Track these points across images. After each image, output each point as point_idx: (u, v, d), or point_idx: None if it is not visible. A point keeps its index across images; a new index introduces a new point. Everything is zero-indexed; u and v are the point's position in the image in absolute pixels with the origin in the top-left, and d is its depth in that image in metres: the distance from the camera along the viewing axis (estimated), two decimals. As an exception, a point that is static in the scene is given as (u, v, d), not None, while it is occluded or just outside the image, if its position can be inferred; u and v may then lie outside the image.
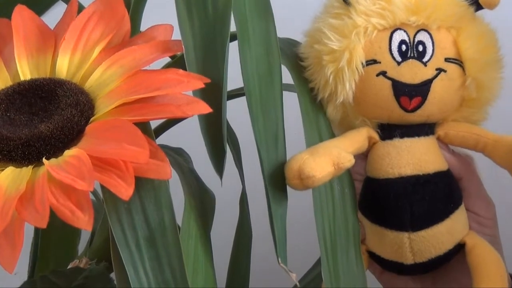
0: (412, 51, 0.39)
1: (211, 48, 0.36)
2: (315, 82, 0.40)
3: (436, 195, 0.40)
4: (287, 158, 0.37)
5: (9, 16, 0.40)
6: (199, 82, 0.34)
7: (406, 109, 0.39)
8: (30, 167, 0.33)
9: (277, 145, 0.37)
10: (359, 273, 0.39)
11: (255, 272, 0.52)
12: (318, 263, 0.55)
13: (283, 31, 0.42)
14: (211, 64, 0.36)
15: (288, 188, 0.37)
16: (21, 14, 0.40)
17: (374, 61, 0.39)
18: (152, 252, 0.32)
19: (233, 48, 0.37)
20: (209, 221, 0.37)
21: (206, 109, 0.33)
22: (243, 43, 0.38)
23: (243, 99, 0.42)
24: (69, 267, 0.44)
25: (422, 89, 0.39)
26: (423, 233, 0.39)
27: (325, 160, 0.37)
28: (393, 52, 0.39)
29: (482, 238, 0.41)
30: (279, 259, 0.35)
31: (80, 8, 0.41)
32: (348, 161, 0.37)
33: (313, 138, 0.40)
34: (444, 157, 0.41)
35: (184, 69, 0.35)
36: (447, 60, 0.39)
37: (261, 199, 0.57)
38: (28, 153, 0.33)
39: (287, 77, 0.41)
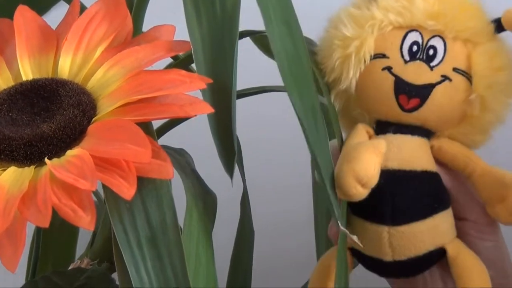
0: (422, 53, 0.39)
1: (220, 49, 0.36)
2: (325, 65, 0.41)
3: (421, 192, 0.39)
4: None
5: (10, 16, 0.40)
6: (202, 83, 0.34)
7: (404, 108, 0.39)
8: (32, 167, 0.33)
9: (316, 116, 0.37)
10: None
11: (257, 271, 0.52)
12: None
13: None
14: (220, 65, 0.36)
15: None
16: (23, 14, 0.40)
17: (383, 56, 0.40)
18: (154, 252, 0.32)
19: (240, 48, 0.37)
20: (211, 221, 0.37)
21: (208, 109, 0.33)
22: (268, 23, 0.37)
23: (244, 100, 0.42)
24: (70, 267, 0.44)
25: (422, 92, 0.39)
26: (402, 228, 0.39)
27: (369, 156, 0.37)
28: (403, 51, 0.39)
29: (466, 247, 0.40)
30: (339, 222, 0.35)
31: (82, 8, 0.41)
32: (382, 144, 0.38)
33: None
34: None
35: (187, 70, 0.35)
36: (455, 70, 0.39)
37: (262, 199, 0.57)
38: (30, 153, 0.33)
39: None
